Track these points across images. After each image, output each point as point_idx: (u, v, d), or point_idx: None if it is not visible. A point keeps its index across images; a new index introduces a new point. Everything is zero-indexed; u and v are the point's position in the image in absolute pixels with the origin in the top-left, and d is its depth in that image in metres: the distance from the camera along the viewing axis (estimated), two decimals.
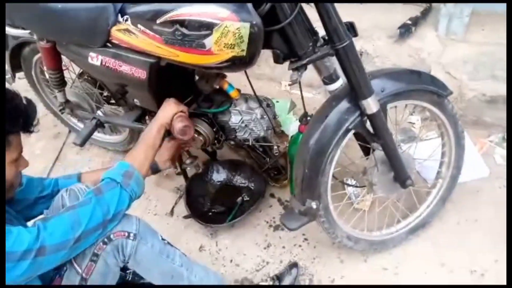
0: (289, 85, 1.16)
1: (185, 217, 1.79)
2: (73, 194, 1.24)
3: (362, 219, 1.62)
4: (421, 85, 1.38)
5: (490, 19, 2.17)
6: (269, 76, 2.56)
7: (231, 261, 1.72)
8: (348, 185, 1.70)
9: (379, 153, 1.43)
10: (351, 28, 1.20)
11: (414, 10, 2.27)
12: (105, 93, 1.94)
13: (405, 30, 2.10)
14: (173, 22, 1.16)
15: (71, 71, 1.96)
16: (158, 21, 1.19)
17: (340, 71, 1.28)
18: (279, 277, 1.53)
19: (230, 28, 1.11)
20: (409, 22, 2.14)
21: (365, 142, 1.46)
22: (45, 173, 2.23)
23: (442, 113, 1.48)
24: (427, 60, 2.08)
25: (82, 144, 1.73)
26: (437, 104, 1.45)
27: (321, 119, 1.31)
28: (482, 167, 1.87)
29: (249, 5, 1.10)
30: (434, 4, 2.26)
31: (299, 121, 1.46)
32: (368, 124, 1.34)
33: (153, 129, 1.35)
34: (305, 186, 1.35)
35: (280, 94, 2.48)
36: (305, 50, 1.20)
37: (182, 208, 1.92)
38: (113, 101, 1.96)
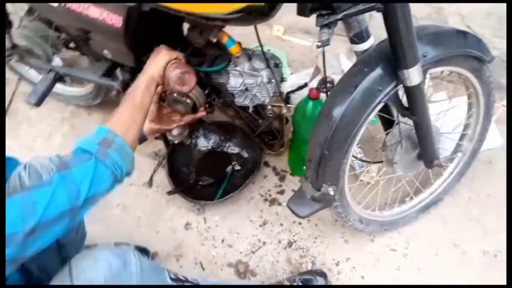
0: (318, 47, 0.87)
1: (169, 193, 1.54)
2: (33, 172, 0.92)
3: (368, 193, 1.44)
4: (467, 49, 1.13)
5: None
6: None
7: (222, 241, 1.51)
8: (363, 160, 1.49)
9: (404, 127, 1.21)
10: None
11: None
12: (63, 36, 1.56)
13: None
14: None
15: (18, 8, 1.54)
16: None
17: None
18: (302, 282, 1.33)
19: None
20: None
21: (388, 114, 1.23)
22: None
23: (478, 81, 1.26)
24: (445, 10, 1.81)
25: (38, 104, 1.39)
26: (476, 70, 1.22)
27: (348, 89, 1.05)
28: (496, 136, 1.71)
29: None
30: None
31: (317, 88, 1.20)
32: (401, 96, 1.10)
33: (140, 84, 1.02)
34: (323, 169, 1.12)
35: (271, 41, 2.15)
36: (342, 1, 0.91)
37: (161, 177, 1.67)
38: (73, 45, 1.59)
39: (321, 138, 1.09)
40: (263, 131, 1.65)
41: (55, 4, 1.10)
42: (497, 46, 1.72)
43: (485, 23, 1.76)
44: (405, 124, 1.22)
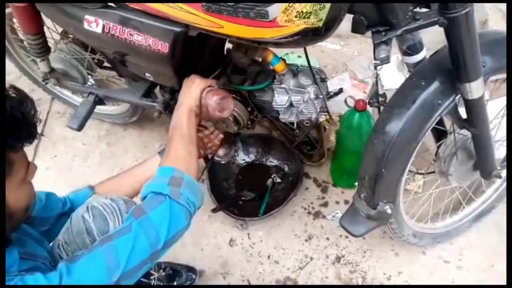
0: (376, 65, 0.82)
1: (213, 210, 1.52)
2: (97, 214, 0.92)
3: (421, 206, 1.39)
4: None
5: None
6: None
7: (268, 257, 1.49)
8: (418, 173, 1.43)
9: (459, 137, 1.16)
10: None
11: None
12: (98, 56, 1.56)
13: None
14: None
15: (52, 30, 1.54)
16: None
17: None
18: None
19: None
20: None
21: (441, 125, 1.18)
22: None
23: None
24: (485, 6, 1.74)
25: (80, 128, 1.39)
26: None
27: (405, 103, 1.01)
28: None
29: None
30: None
31: (369, 102, 1.15)
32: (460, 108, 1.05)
33: (182, 117, 1.01)
34: (380, 187, 1.08)
35: None
36: (401, 17, 0.86)
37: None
38: (107, 65, 1.58)
39: (377, 155, 1.05)
40: (301, 141, 1.62)
41: (98, 31, 1.09)
42: None
43: None
44: (460, 134, 1.17)
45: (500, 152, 1.41)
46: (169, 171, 0.88)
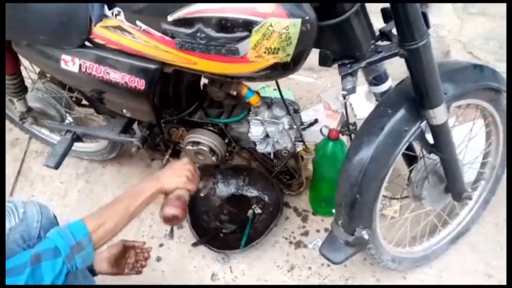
0: (344, 96, 0.87)
1: (194, 245, 1.51)
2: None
3: (398, 230, 1.42)
4: (484, 82, 1.15)
5: None
6: None
7: None
8: (391, 198, 1.47)
9: (428, 162, 1.21)
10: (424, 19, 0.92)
11: None
12: (76, 94, 1.57)
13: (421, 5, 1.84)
14: (192, 21, 0.83)
15: (29, 70, 1.55)
16: (169, 18, 0.85)
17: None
18: None
19: (276, 28, 0.81)
20: None
21: (411, 150, 1.23)
22: (6, 192, 1.84)
23: (496, 111, 1.27)
24: (446, 38, 1.85)
25: (57, 166, 1.38)
26: (493, 101, 1.24)
27: (374, 131, 1.05)
28: None
29: None
30: None
31: (340, 131, 1.20)
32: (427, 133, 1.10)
33: (147, 191, 1.05)
34: (355, 213, 1.11)
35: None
36: (364, 51, 0.92)
37: (182, 227, 1.64)
38: (85, 102, 1.60)
39: (351, 182, 1.09)
40: (280, 171, 1.64)
41: (74, 70, 1.11)
42: (501, 70, 1.73)
43: (486, 48, 1.79)
44: (429, 159, 1.21)
45: (469, 175, 1.47)
46: (82, 233, 0.91)
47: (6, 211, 0.98)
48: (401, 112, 1.05)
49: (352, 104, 2.02)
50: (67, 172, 1.89)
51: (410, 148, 1.21)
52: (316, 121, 1.89)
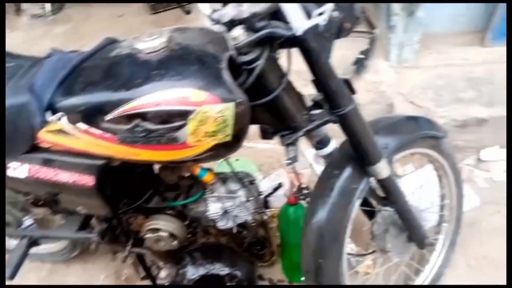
0: (288, 165, 0.90)
1: None
2: None
3: (368, 283, 1.40)
4: (421, 132, 1.22)
5: (433, 41, 2.15)
6: None
7: None
8: (358, 255, 1.47)
9: (386, 214, 1.24)
10: (348, 86, 1.00)
11: (360, 43, 2.18)
12: (32, 197, 1.54)
13: (359, 65, 1.99)
14: (130, 117, 0.87)
15: None
16: (107, 118, 0.89)
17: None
18: None
19: (210, 113, 0.85)
20: (361, 56, 2.03)
21: (367, 205, 1.26)
22: None
23: (440, 156, 1.34)
24: (387, 92, 1.98)
25: (13, 277, 1.31)
26: (435, 147, 1.31)
27: (326, 193, 1.08)
28: (471, 196, 1.77)
29: (226, 77, 0.85)
30: (378, 32, 2.19)
31: (295, 197, 1.22)
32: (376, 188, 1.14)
33: None
34: (324, 278, 1.10)
35: (237, 152, 2.22)
36: (299, 121, 0.98)
37: None
38: (42, 203, 1.57)
39: (312, 247, 1.09)
40: (250, 242, 1.62)
41: (22, 176, 1.11)
42: (442, 115, 1.86)
43: (425, 96, 1.93)
44: (386, 211, 1.24)
45: (431, 219, 1.50)
46: None
47: None
48: (347, 172, 1.09)
49: (312, 164, 2.07)
50: (29, 278, 1.79)
51: (366, 203, 1.24)
52: (280, 185, 1.91)
